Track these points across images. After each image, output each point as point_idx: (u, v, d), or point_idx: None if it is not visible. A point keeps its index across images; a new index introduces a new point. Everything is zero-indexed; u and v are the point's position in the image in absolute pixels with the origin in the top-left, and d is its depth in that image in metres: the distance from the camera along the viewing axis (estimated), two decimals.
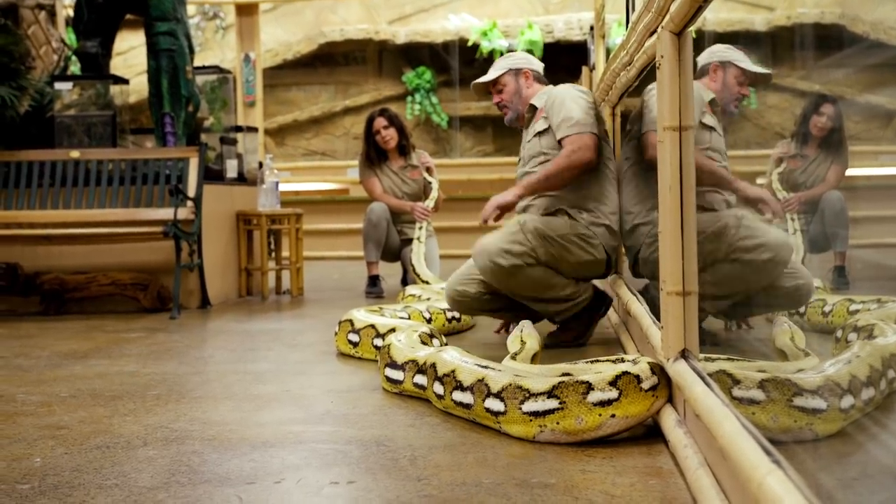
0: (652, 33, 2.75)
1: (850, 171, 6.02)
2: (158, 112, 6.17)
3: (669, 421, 2.32)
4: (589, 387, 2.38)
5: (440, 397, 2.76)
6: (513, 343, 3.29)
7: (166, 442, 2.53)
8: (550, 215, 3.97)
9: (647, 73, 3.36)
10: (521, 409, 2.44)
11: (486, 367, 2.69)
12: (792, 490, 1.23)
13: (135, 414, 2.88)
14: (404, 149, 6.51)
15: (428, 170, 6.54)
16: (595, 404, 2.37)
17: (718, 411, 1.74)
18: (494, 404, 2.51)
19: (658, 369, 2.44)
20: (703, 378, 2.03)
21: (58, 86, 6.25)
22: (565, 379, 2.43)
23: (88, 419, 2.82)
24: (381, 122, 6.43)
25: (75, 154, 5.97)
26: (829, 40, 11.30)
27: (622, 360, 2.76)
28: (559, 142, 3.98)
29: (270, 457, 2.36)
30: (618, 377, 2.39)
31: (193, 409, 2.94)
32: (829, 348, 3.37)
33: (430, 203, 6.31)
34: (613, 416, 2.38)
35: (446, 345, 3.42)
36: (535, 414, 2.42)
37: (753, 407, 2.25)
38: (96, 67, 6.50)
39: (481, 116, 13.20)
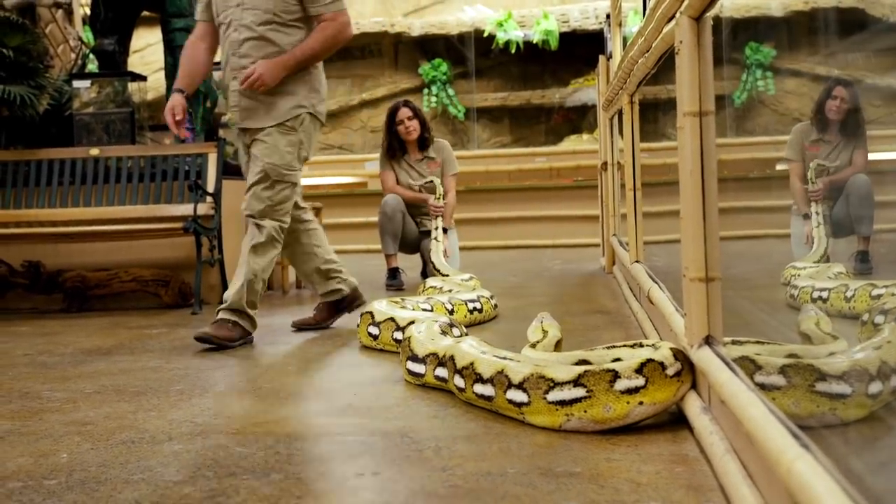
0: (670, 19, 2.73)
1: (870, 156, 5.98)
2: None
3: (694, 408, 2.31)
4: (615, 375, 2.37)
5: (461, 390, 2.76)
6: (534, 332, 3.29)
7: (191, 436, 2.54)
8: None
9: (666, 60, 3.34)
10: (545, 398, 2.43)
11: (504, 357, 2.69)
12: (822, 474, 1.22)
13: (159, 409, 2.89)
14: (425, 142, 6.51)
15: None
16: (623, 392, 2.36)
17: (744, 396, 1.73)
18: (517, 395, 2.50)
19: (681, 355, 2.43)
20: (728, 364, 2.02)
21: (76, 84, 6.28)
22: (591, 367, 2.43)
23: (113, 415, 2.83)
24: (405, 112, 6.45)
25: (95, 152, 5.99)
26: (847, 24, 11.22)
27: (640, 346, 2.76)
28: (314, 16, 4.22)
29: (295, 449, 2.37)
30: (643, 364, 2.38)
31: (217, 403, 2.95)
32: (854, 332, 3.35)
33: (439, 195, 6.31)
34: (641, 403, 2.37)
35: (466, 335, 3.42)
36: (562, 403, 2.41)
37: (774, 392, 2.24)
38: (114, 65, 6.52)
39: (498, 108, 13.18)
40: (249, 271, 4.13)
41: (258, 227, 4.16)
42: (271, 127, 4.16)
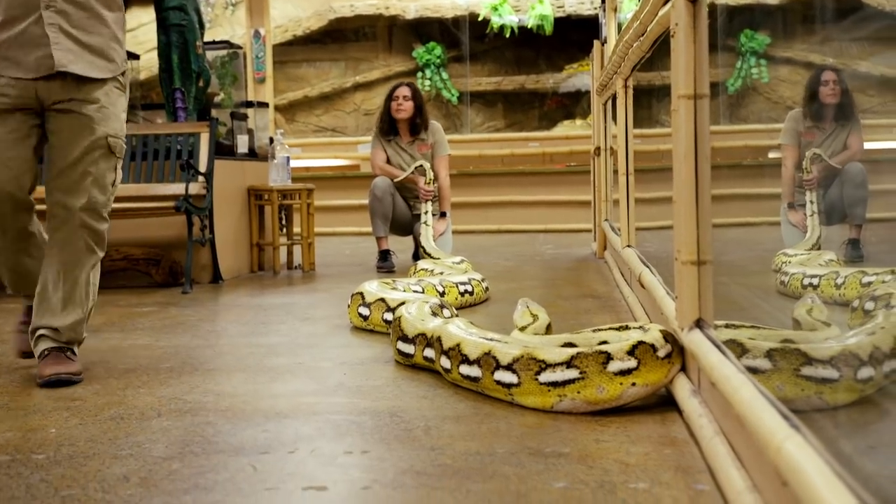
0: (666, 2, 2.72)
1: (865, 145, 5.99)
2: (169, 87, 6.16)
3: (684, 391, 2.31)
4: (608, 357, 2.38)
5: (447, 371, 2.76)
6: (522, 317, 3.28)
7: (180, 413, 2.53)
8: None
9: (661, 45, 3.33)
10: (537, 379, 2.43)
11: (491, 339, 2.69)
12: (812, 455, 1.22)
13: (148, 386, 2.89)
14: (416, 128, 6.48)
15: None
16: (616, 374, 2.37)
17: (735, 379, 1.73)
18: (506, 376, 2.50)
19: (671, 337, 2.44)
20: (718, 347, 2.02)
21: None
22: (583, 349, 2.43)
23: (102, 391, 2.83)
24: (403, 90, 6.44)
25: None
26: (842, 12, 11.21)
27: (627, 328, 2.76)
28: None
29: (284, 427, 2.37)
30: (635, 346, 2.38)
31: (206, 381, 2.94)
32: (845, 319, 3.36)
33: (429, 179, 6.28)
34: (634, 384, 2.38)
35: (456, 316, 3.42)
36: (554, 384, 2.41)
37: (759, 376, 2.24)
38: None
39: (492, 92, 13.15)
40: (92, 296, 3.15)
41: (96, 234, 3.08)
42: (109, 81, 3.15)
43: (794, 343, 2.34)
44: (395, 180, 6.34)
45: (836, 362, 2.26)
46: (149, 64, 9.34)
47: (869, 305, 3.13)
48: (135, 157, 5.86)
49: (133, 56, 6.48)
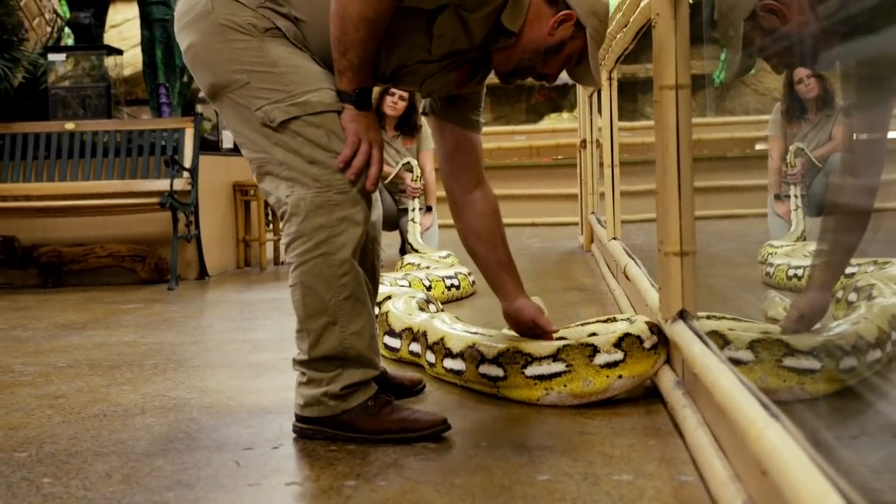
0: None
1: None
2: (153, 83, 6.14)
3: (668, 382, 2.31)
4: (595, 349, 2.38)
5: (431, 365, 2.76)
6: None
7: (164, 410, 2.52)
8: None
9: (644, 37, 3.32)
10: (523, 373, 2.43)
11: (476, 332, 2.69)
12: (791, 444, 1.22)
13: (132, 383, 2.88)
14: (403, 127, 6.42)
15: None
16: (602, 366, 2.36)
17: (716, 368, 1.73)
18: (492, 370, 2.50)
19: (656, 328, 2.43)
20: (701, 337, 2.02)
21: (51, 57, 6.21)
22: (569, 342, 2.43)
23: (86, 388, 2.81)
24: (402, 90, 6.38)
25: (70, 126, 5.93)
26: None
27: (614, 320, 2.75)
28: None
29: (268, 423, 2.36)
30: (621, 338, 2.38)
31: (191, 377, 2.93)
32: (830, 310, 3.36)
33: (416, 176, 6.25)
34: (620, 376, 2.38)
35: (441, 311, 3.41)
36: (541, 377, 2.40)
37: (741, 368, 2.24)
38: (90, 38, 6.46)
39: None
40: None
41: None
42: None
43: (762, 335, 2.34)
44: (386, 181, 6.31)
45: (817, 353, 2.26)
46: (133, 60, 9.31)
47: (852, 297, 3.14)
48: (119, 153, 5.84)
49: (117, 52, 6.45)
